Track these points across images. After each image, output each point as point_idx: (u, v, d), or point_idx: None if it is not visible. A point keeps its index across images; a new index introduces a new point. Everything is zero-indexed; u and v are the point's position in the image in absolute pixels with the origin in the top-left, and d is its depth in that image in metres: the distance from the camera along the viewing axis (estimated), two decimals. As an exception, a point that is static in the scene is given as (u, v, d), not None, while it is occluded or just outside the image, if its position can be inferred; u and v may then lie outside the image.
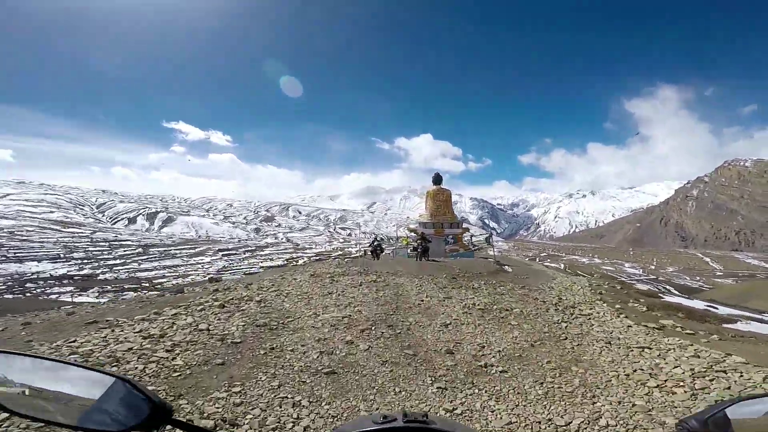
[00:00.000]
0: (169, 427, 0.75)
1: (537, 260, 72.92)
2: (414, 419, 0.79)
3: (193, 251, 64.69)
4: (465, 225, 28.99)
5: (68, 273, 37.71)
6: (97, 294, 30.96)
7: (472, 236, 28.70)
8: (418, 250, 17.33)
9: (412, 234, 25.47)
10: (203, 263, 55.10)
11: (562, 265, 59.09)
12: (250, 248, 76.50)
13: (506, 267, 15.27)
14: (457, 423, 0.93)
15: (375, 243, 20.00)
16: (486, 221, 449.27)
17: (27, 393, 0.74)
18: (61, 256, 45.33)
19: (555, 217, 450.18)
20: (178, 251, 61.71)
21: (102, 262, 46.03)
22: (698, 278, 61.27)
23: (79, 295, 30.13)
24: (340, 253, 76.15)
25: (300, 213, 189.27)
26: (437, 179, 27.81)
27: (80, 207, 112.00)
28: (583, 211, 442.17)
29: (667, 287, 49.82)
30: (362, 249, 26.69)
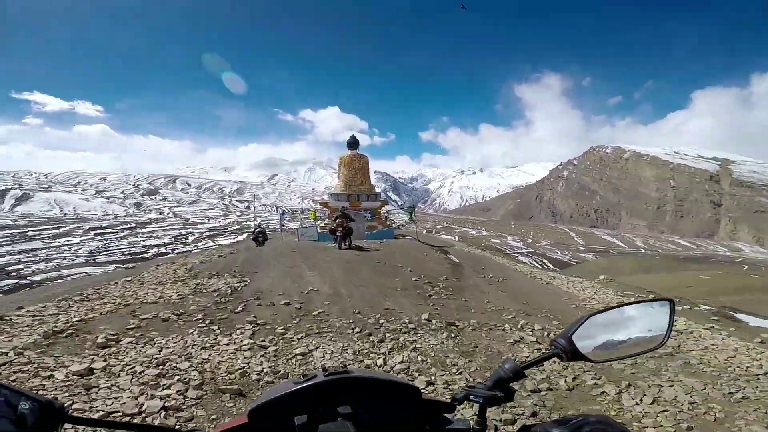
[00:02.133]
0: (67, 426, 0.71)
1: (433, 231, 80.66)
2: (334, 372, 0.82)
3: (57, 231, 57.03)
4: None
5: None
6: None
7: (389, 211, 26.78)
8: (338, 233, 13.05)
9: (323, 209, 23.17)
10: (70, 245, 49.33)
11: (456, 237, 66.59)
12: (129, 225, 69.76)
13: (451, 256, 13.32)
14: (376, 371, 0.86)
15: (257, 230, 19.06)
16: (388, 194, 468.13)
17: None
18: None
19: (449, 191, 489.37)
20: (36, 232, 53.88)
21: (-71, 249, 38.36)
22: (566, 252, 72.76)
23: None
24: (235, 229, 74.02)
25: (189, 185, 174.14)
26: (352, 143, 23.89)
27: None
28: (473, 186, 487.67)
29: (544, 260, 59.49)
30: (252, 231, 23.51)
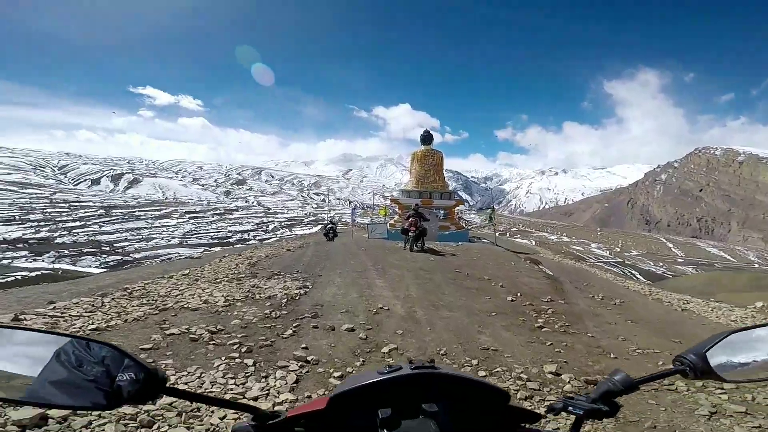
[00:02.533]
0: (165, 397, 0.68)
1: (507, 234, 75.81)
2: (421, 365, 0.79)
3: (159, 213, 63.54)
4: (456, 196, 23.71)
5: (23, 236, 36.70)
6: (53, 259, 30.51)
7: (462, 211, 24.80)
8: (410, 232, 11.95)
9: (393, 205, 22.24)
10: (168, 226, 54.45)
11: (533, 242, 61.86)
12: (218, 211, 75.60)
13: (544, 267, 11.33)
14: (464, 372, 1.04)
15: (329, 226, 18.75)
16: (459, 193, 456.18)
17: None
18: (17, 218, 43.73)
19: (527, 193, 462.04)
20: (142, 213, 60.49)
21: (60, 224, 44.75)
22: (661, 264, 65.05)
23: (34, 260, 29.65)
24: (311, 220, 76.51)
25: (273, 177, 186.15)
26: (426, 138, 22.57)
27: (41, 169, 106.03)
28: (554, 188, 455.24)
29: (634, 272, 53.07)
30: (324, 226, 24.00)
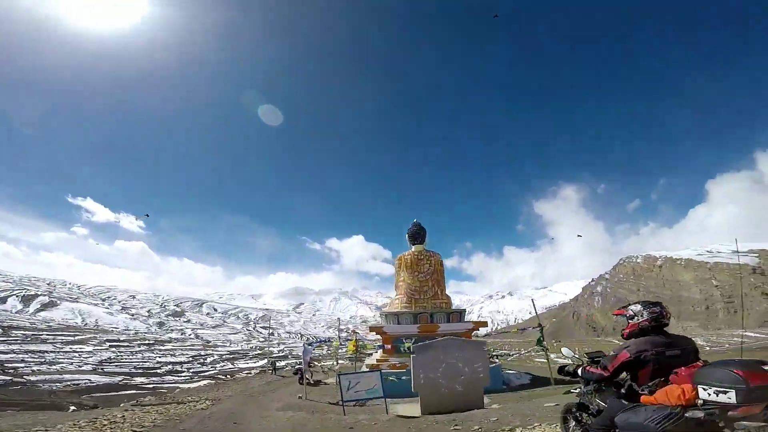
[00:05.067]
0: None
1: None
2: None
3: (72, 339, 52.64)
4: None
5: None
6: None
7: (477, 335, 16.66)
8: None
9: (365, 336, 16.81)
10: (82, 352, 44.25)
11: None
12: (147, 341, 64.66)
13: None
14: None
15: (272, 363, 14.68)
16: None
17: None
18: None
19: (478, 317, 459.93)
20: (50, 336, 49.68)
21: (-66, 343, 34.49)
22: None
23: None
24: (257, 355, 67.38)
25: (215, 310, 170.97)
26: (416, 235, 16.28)
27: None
28: (503, 310, 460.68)
29: None
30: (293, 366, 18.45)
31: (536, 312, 14.06)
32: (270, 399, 10.91)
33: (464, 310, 15.64)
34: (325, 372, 18.80)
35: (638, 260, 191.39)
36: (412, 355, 9.23)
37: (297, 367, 15.14)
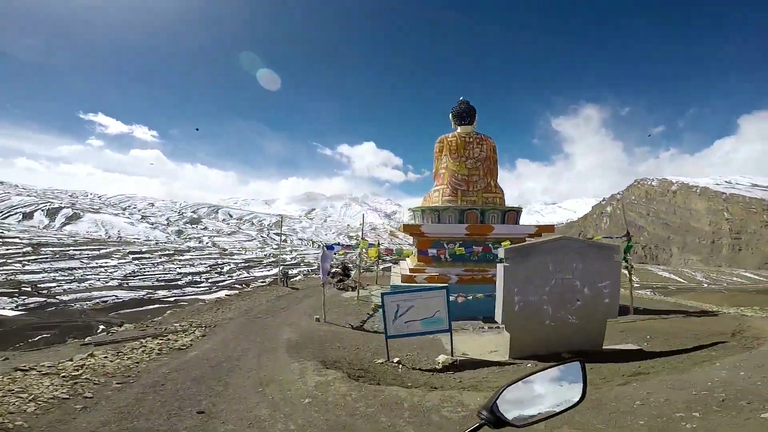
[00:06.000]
0: None
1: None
2: None
3: (98, 253, 57.17)
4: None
5: None
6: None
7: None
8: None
9: (394, 237, 14.31)
10: (107, 266, 48.62)
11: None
12: (167, 251, 69.73)
13: None
14: None
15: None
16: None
17: None
18: None
19: None
20: (77, 252, 54.11)
21: (-30, 262, 38.32)
22: (621, 290, 66.45)
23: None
24: (271, 263, 72.60)
25: (231, 216, 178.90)
26: (464, 114, 12.73)
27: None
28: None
29: None
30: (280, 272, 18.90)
31: (625, 219, 12.98)
32: (279, 324, 8.41)
33: (521, 209, 12.18)
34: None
35: (653, 183, 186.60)
36: (503, 266, 6.03)
37: (283, 270, 15.19)
